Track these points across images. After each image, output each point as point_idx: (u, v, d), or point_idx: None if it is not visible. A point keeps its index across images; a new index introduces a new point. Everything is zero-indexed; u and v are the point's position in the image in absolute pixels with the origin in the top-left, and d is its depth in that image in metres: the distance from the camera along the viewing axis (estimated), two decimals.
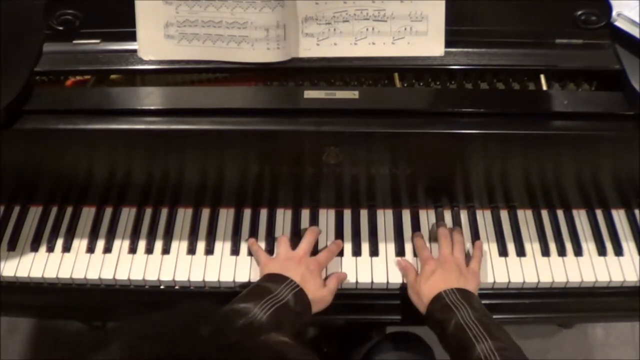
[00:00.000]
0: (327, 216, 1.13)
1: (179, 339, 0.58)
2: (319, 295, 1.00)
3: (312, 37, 1.01)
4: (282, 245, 1.07)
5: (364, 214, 1.13)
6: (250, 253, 1.09)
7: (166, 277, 1.07)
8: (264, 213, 1.14)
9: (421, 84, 1.11)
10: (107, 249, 1.10)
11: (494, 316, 1.05)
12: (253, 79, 1.10)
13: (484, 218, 1.13)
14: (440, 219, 1.13)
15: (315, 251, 1.08)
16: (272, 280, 0.98)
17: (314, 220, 1.12)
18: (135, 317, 0.64)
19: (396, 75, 1.10)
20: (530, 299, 1.08)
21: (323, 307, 1.01)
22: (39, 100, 1.00)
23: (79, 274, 1.07)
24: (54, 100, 1.01)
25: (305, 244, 1.06)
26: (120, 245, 1.10)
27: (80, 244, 1.10)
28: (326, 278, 1.05)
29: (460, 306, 0.94)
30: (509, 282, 1.06)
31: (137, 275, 1.07)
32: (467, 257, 1.07)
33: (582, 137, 1.00)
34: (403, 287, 1.06)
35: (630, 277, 1.06)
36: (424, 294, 0.99)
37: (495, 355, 0.86)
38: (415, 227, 1.12)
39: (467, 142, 1.01)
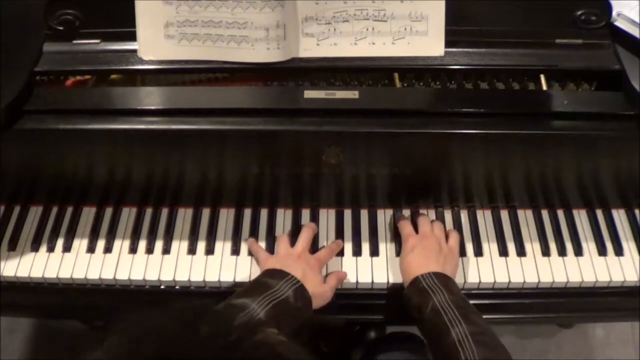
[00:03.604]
0: (327, 216, 1.13)
1: (177, 338, 0.57)
2: (320, 290, 0.99)
3: (312, 37, 1.01)
4: (282, 243, 1.07)
5: (364, 213, 1.13)
6: (250, 253, 1.09)
7: (167, 277, 1.07)
8: (264, 213, 1.14)
9: (421, 84, 1.11)
10: (108, 249, 1.10)
11: (495, 316, 1.06)
12: (253, 79, 1.10)
13: (484, 218, 1.13)
14: (440, 219, 1.13)
15: (314, 252, 1.08)
16: (272, 275, 0.97)
17: (314, 220, 1.12)
18: (131, 314, 0.63)
19: (396, 75, 1.09)
20: (530, 299, 1.08)
21: (324, 303, 1.01)
22: (39, 100, 1.00)
23: (79, 274, 1.07)
24: (54, 100, 1.01)
25: (303, 240, 1.06)
26: (121, 245, 1.10)
27: (80, 243, 1.10)
28: (326, 276, 1.05)
29: (437, 290, 0.93)
30: (510, 282, 1.06)
31: (137, 275, 1.07)
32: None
33: (582, 137, 1.00)
34: (404, 288, 1.06)
35: (631, 277, 1.06)
36: (403, 271, 1.01)
37: (469, 339, 0.84)
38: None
39: (467, 142, 1.01)
